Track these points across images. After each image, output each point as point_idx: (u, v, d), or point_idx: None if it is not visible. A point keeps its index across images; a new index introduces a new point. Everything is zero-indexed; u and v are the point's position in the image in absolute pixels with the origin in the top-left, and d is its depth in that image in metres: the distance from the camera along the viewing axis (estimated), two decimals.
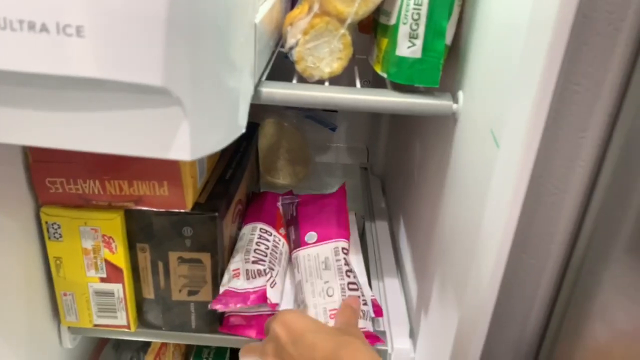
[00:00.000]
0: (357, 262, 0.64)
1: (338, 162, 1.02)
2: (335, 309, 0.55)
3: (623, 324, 0.31)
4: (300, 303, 0.58)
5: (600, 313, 0.31)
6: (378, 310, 0.58)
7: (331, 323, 0.54)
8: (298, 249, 0.62)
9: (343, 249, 0.60)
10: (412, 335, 0.60)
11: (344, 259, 0.59)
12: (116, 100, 0.30)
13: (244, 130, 0.40)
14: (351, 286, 0.57)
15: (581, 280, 0.31)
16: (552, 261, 0.33)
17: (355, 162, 1.02)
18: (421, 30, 0.46)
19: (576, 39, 0.28)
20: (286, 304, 0.59)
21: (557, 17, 0.27)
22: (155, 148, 0.32)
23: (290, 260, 0.65)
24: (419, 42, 0.47)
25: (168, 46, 0.28)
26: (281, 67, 0.56)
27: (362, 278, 0.62)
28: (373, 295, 0.60)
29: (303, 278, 0.59)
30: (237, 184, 0.63)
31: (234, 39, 0.35)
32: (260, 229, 0.63)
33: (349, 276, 0.58)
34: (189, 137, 0.31)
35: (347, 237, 0.62)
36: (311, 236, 0.63)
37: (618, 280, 0.30)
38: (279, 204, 0.70)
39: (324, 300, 0.56)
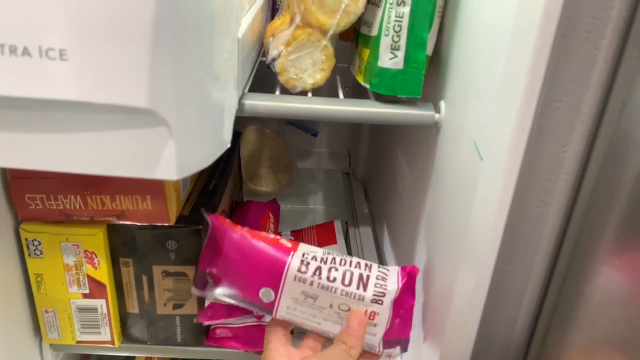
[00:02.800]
0: None
1: (320, 167, 1.02)
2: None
3: (607, 331, 0.32)
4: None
5: (584, 321, 0.32)
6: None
7: None
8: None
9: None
10: None
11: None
12: (100, 121, 0.30)
13: (229, 145, 0.40)
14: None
15: (565, 288, 0.32)
16: (536, 271, 0.34)
17: (337, 167, 1.02)
18: (403, 42, 0.47)
19: (556, 57, 0.28)
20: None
21: (537, 36, 0.27)
22: (140, 168, 0.31)
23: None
24: (400, 54, 0.47)
25: (153, 67, 0.28)
26: (263, 75, 0.56)
27: None
28: None
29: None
30: (221, 195, 0.62)
31: (218, 55, 0.35)
32: None
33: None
34: (174, 157, 0.31)
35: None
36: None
37: (602, 287, 0.31)
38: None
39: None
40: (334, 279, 0.46)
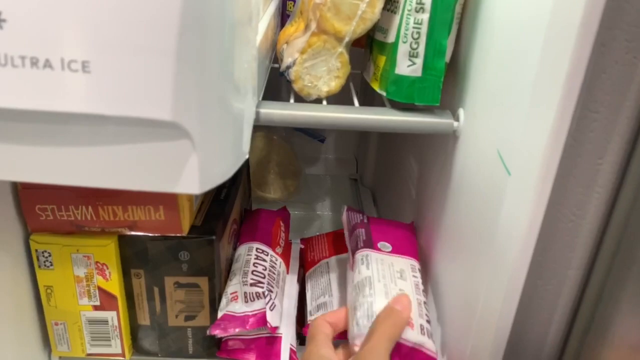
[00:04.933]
0: None
1: (327, 173, 1.01)
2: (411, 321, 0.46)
3: None
4: (355, 303, 0.48)
5: (618, 338, 0.31)
6: None
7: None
8: (369, 249, 0.53)
9: (418, 269, 0.53)
10: None
11: (421, 278, 0.52)
12: (121, 134, 0.29)
13: (247, 156, 0.39)
14: (425, 307, 0.49)
15: (600, 305, 0.31)
16: (568, 287, 0.33)
17: (344, 174, 1.01)
18: (421, 49, 0.46)
19: (594, 67, 0.27)
20: (285, 326, 0.58)
21: (574, 46, 0.26)
22: (162, 182, 0.31)
23: (352, 261, 0.54)
24: (419, 61, 0.46)
25: (177, 79, 0.27)
26: (274, 82, 0.55)
27: None
28: None
29: (373, 276, 0.49)
30: (232, 203, 0.61)
31: (240, 65, 0.34)
32: (257, 249, 0.62)
33: (424, 296, 0.50)
34: (197, 170, 0.30)
35: (418, 260, 0.55)
36: (384, 245, 0.55)
37: (637, 305, 0.30)
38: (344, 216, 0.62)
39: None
40: None
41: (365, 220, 0.59)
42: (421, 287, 0.50)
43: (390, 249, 0.54)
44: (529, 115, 0.31)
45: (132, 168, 0.30)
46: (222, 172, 0.33)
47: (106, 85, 0.26)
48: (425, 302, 0.49)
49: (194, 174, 0.30)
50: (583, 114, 0.28)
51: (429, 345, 0.45)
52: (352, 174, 1.01)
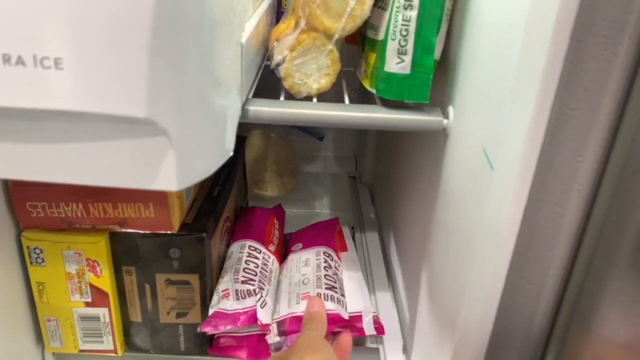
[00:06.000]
0: (356, 276, 0.65)
1: (326, 171, 1.01)
2: (307, 293, 0.57)
3: (623, 343, 0.31)
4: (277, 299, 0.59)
5: (600, 334, 0.31)
6: (379, 328, 0.58)
7: (302, 304, 0.55)
8: (285, 258, 0.67)
9: (324, 252, 0.64)
10: (406, 351, 0.60)
11: (325, 260, 0.63)
12: (98, 131, 0.29)
13: (231, 154, 0.39)
14: (328, 279, 0.59)
15: (580, 303, 0.31)
16: (550, 285, 0.33)
17: (343, 172, 1.01)
18: (410, 46, 0.46)
19: (571, 64, 0.27)
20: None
21: (550, 42, 0.26)
22: (140, 179, 0.31)
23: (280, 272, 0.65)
24: (407, 58, 0.46)
25: (152, 76, 0.27)
26: (269, 79, 0.55)
27: (364, 291, 0.63)
28: (374, 312, 0.60)
29: (283, 274, 0.63)
30: (225, 201, 0.61)
31: (220, 62, 0.34)
32: (249, 246, 0.62)
33: (326, 270, 0.61)
34: (175, 167, 0.30)
35: (332, 246, 0.66)
36: (297, 246, 0.68)
37: (618, 301, 0.30)
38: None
39: (298, 288, 0.58)
40: None
41: (287, 238, 0.73)
42: (322, 265, 0.62)
43: (300, 246, 0.67)
44: (509, 112, 0.31)
45: (110, 165, 0.30)
46: (202, 169, 0.33)
47: (80, 82, 0.26)
48: (326, 275, 0.60)
49: (171, 170, 0.30)
50: (561, 111, 0.28)
51: (330, 306, 0.55)
52: (351, 172, 1.01)
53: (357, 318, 0.58)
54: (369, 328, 0.57)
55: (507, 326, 0.34)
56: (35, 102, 0.26)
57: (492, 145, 0.36)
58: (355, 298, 0.60)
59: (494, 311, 0.33)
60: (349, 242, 0.71)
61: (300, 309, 0.55)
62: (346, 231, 0.73)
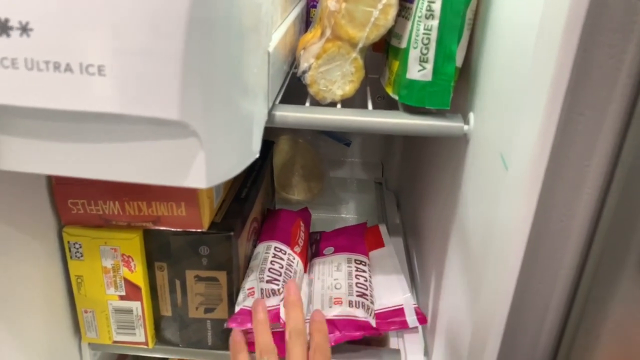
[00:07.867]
0: (394, 270, 0.68)
1: (353, 177, 1.03)
2: (340, 299, 0.59)
3: (635, 344, 0.31)
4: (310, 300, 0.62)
5: (609, 337, 0.32)
6: (422, 318, 0.60)
7: (334, 309, 0.58)
8: (315, 258, 0.69)
9: (356, 260, 0.66)
10: (427, 353, 0.61)
11: (357, 267, 0.64)
12: (134, 132, 0.32)
13: (257, 156, 0.41)
14: (359, 287, 0.61)
15: (590, 303, 0.32)
16: (560, 285, 0.33)
17: (370, 177, 1.03)
18: (431, 55, 0.47)
19: (578, 72, 0.28)
20: None
21: (558, 51, 0.27)
22: (172, 177, 0.33)
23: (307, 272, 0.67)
24: (429, 66, 0.48)
25: (184, 82, 0.29)
26: (297, 86, 0.57)
27: (403, 285, 0.65)
28: (415, 303, 0.62)
29: (315, 277, 0.65)
30: (252, 203, 0.64)
31: (248, 70, 0.36)
32: (275, 247, 0.64)
33: (357, 278, 0.62)
34: (204, 166, 0.32)
35: (363, 252, 0.68)
36: (329, 249, 0.70)
37: (628, 301, 0.30)
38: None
39: (330, 292, 0.60)
40: None
41: (318, 237, 0.75)
42: (354, 272, 0.64)
43: (332, 250, 0.70)
44: (522, 118, 0.32)
45: (145, 163, 0.33)
46: (229, 169, 0.36)
47: (119, 87, 0.29)
48: (357, 283, 0.61)
49: (201, 169, 0.32)
50: (569, 117, 0.29)
51: (358, 313, 0.57)
52: (378, 178, 1.02)
53: (400, 311, 0.61)
54: (411, 319, 0.60)
55: (519, 327, 0.35)
56: (80, 105, 0.29)
57: (508, 151, 0.37)
58: (395, 291, 0.63)
59: (505, 311, 0.34)
60: (385, 238, 0.73)
61: (332, 312, 0.57)
62: (383, 228, 0.75)
